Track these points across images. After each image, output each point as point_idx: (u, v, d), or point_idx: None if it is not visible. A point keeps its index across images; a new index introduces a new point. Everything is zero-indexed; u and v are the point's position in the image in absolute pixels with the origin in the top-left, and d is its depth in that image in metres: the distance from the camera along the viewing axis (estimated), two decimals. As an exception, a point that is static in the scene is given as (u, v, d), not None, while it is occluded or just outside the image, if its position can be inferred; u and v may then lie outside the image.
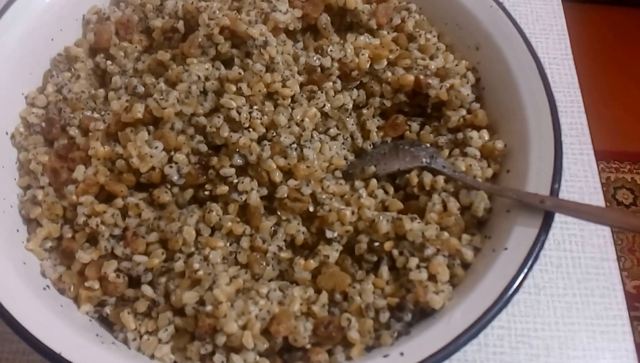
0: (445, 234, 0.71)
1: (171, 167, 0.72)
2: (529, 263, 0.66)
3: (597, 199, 0.92)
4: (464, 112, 0.81)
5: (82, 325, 0.66)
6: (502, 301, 0.64)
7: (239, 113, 0.73)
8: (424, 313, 0.68)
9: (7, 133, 0.76)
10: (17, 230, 0.71)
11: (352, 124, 0.81)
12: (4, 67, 0.77)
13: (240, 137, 0.72)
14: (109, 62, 0.82)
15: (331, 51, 0.80)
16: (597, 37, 2.41)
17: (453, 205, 0.74)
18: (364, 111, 0.82)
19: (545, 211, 0.68)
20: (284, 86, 0.77)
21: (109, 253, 0.70)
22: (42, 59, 0.82)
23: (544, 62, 1.00)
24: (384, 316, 0.68)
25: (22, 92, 0.79)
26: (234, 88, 0.75)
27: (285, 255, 0.72)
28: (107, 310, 0.69)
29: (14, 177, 0.75)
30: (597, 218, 0.68)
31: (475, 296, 0.66)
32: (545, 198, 0.69)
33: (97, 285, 0.69)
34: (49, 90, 0.80)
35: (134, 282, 0.70)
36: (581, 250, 0.87)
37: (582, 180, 0.93)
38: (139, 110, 0.73)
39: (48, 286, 0.69)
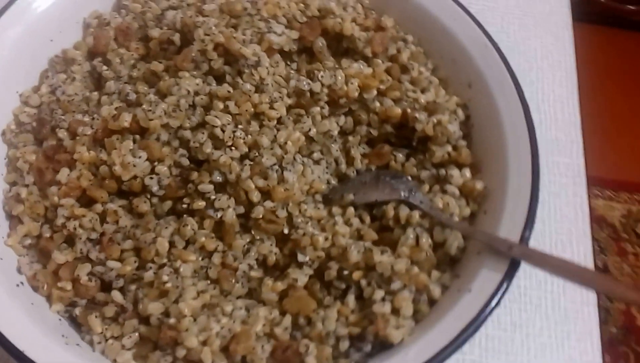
0: (415, 269, 0.78)
1: (152, 178, 0.79)
2: (488, 308, 0.72)
3: (584, 243, 0.97)
4: (449, 148, 0.87)
5: (50, 325, 0.73)
6: (456, 343, 0.70)
7: (223, 131, 0.80)
8: (384, 346, 0.75)
9: (-2, 130, 0.84)
10: (-1, 225, 0.79)
11: (337, 150, 0.87)
12: (1, 65, 0.84)
13: (222, 155, 0.79)
14: (104, 67, 0.90)
15: (322, 76, 0.86)
16: (608, 60, 2.46)
17: (425, 241, 0.80)
18: (350, 138, 0.88)
19: (511, 258, 0.75)
20: (271, 107, 0.83)
21: (84, 256, 0.77)
22: (40, 59, 0.90)
23: (548, 99, 1.08)
24: (344, 345, 0.75)
25: (17, 91, 0.87)
26: (221, 105, 0.82)
27: (256, 274, 0.79)
28: (77, 311, 0.76)
29: (1, 173, 0.83)
30: (562, 272, 0.73)
31: (432, 335, 0.72)
32: (514, 244, 0.75)
33: (69, 286, 0.76)
34: (43, 90, 0.87)
35: (106, 287, 0.77)
36: (562, 292, 0.92)
37: (572, 223, 0.98)
38: (126, 119, 0.80)
39: (22, 282, 0.76)
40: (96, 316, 0.75)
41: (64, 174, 0.80)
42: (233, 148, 0.81)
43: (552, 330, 0.89)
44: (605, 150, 2.25)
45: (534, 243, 0.92)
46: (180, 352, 0.72)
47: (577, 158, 1.03)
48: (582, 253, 0.96)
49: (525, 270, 0.91)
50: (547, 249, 0.95)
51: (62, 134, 0.83)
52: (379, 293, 0.76)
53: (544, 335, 0.89)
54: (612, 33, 2.59)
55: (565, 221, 0.98)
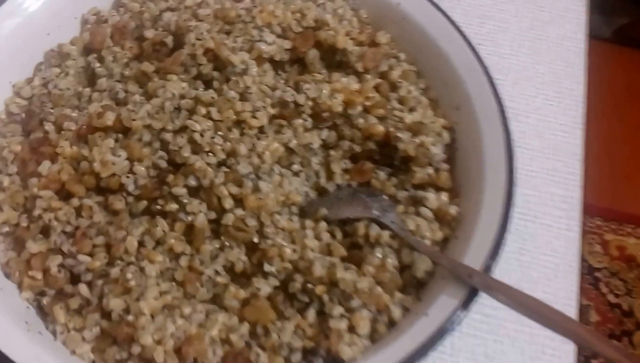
0: (378, 289, 0.83)
1: (129, 177, 0.87)
2: (439, 335, 0.76)
3: (571, 279, 0.99)
4: (430, 170, 0.91)
5: (15, 311, 0.81)
6: (403, 367, 0.75)
7: (202, 136, 0.87)
8: (336, 362, 0.80)
9: (-12, 118, 0.92)
10: (-22, 212, 0.87)
11: (317, 164, 0.93)
12: (-4, 56, 0.93)
13: (198, 160, 0.86)
14: (98, 63, 0.97)
15: (307, 89, 0.92)
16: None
17: (391, 262, 0.85)
18: (332, 152, 0.94)
19: (471, 287, 0.79)
20: (253, 116, 0.90)
21: (57, 248, 0.85)
22: (36, 52, 0.98)
23: (551, 128, 1.11)
24: (296, 357, 0.80)
25: (10, 81, 0.95)
26: (204, 111, 0.89)
27: (222, 280, 0.85)
28: (45, 300, 0.83)
29: (-13, 161, 0.91)
30: (523, 308, 0.76)
31: (382, 356, 0.77)
32: (475, 273, 0.79)
33: (40, 276, 0.83)
34: (36, 83, 0.95)
35: (75, 279, 0.84)
36: (541, 327, 0.92)
37: (561, 257, 1.00)
38: (109, 117, 0.88)
39: (-5, 268, 0.84)
40: (61, 307, 0.82)
41: (45, 166, 0.88)
42: (211, 153, 0.87)
43: (526, 365, 0.92)
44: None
45: (519, 274, 0.97)
46: (135, 349, 0.78)
47: (573, 191, 1.05)
48: (567, 290, 0.97)
49: (505, 300, 0.95)
50: (532, 282, 0.97)
51: (48, 127, 0.91)
52: (338, 309, 0.81)
53: (516, 370, 0.92)
54: (631, 53, 2.57)
55: (553, 255, 1.00)
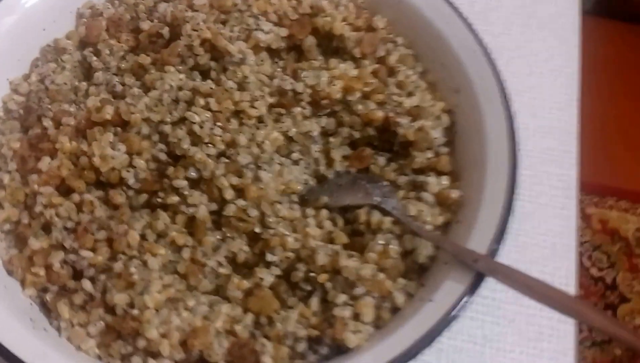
0: (381, 275, 0.80)
1: (129, 171, 0.83)
2: (446, 320, 0.73)
3: (569, 257, 0.97)
4: (430, 154, 0.88)
5: (20, 308, 0.78)
6: (411, 352, 0.72)
7: (201, 127, 0.83)
8: (341, 350, 0.77)
9: (-15, 116, 0.89)
10: (-21, 210, 0.84)
11: (317, 151, 0.89)
12: (-7, 53, 0.89)
13: (198, 151, 0.82)
14: (94, 57, 0.93)
15: (305, 76, 0.88)
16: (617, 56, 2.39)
17: (393, 248, 0.82)
18: (332, 139, 0.90)
19: (476, 272, 0.76)
20: (251, 106, 0.86)
21: (59, 244, 0.82)
22: (32, 48, 0.94)
23: (546, 106, 1.08)
24: (301, 346, 0.78)
25: (7, 78, 0.91)
26: (202, 102, 0.85)
27: (224, 271, 0.82)
28: (48, 297, 0.81)
29: (-15, 159, 0.88)
30: (528, 290, 0.73)
31: (388, 343, 0.74)
32: (480, 257, 0.76)
33: (42, 272, 0.80)
34: (33, 78, 0.92)
35: (78, 275, 0.81)
36: (539, 308, 0.91)
37: (558, 236, 0.98)
38: (108, 111, 0.84)
39: (-3, 266, 0.81)
40: (65, 303, 0.79)
41: (45, 162, 0.84)
42: (210, 144, 0.83)
43: (525, 346, 0.90)
44: (623, 158, 2.20)
45: (515, 255, 0.95)
46: (141, 343, 0.76)
47: (569, 169, 1.03)
48: (565, 269, 0.95)
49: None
50: (529, 262, 0.95)
51: (47, 123, 0.87)
52: (341, 297, 0.79)
53: (515, 350, 0.89)
54: (626, 27, 2.52)
55: (550, 234, 0.98)
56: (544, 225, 0.98)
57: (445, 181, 0.86)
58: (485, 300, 0.91)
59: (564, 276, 0.95)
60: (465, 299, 0.74)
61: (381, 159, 0.90)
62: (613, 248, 2.19)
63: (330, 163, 0.90)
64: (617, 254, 2.18)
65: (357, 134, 0.90)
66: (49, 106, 0.89)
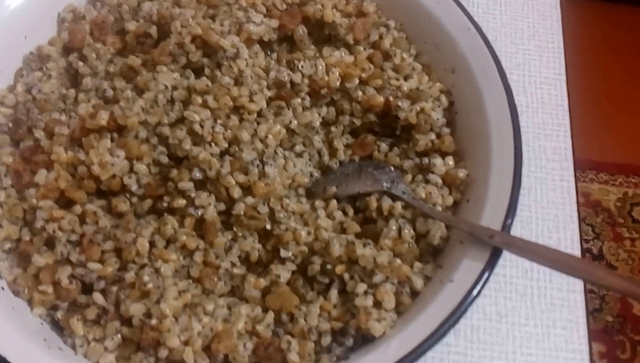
0: (398, 261, 0.77)
1: (131, 177, 0.79)
2: (469, 298, 0.71)
3: (572, 228, 0.96)
4: (433, 136, 0.86)
5: (31, 329, 0.73)
6: (437, 335, 0.70)
7: (202, 127, 0.80)
8: (366, 340, 0.75)
9: (-27, 132, 0.83)
10: (-23, 230, 0.79)
11: (319, 142, 0.86)
12: (-26, 65, 0.83)
13: (201, 151, 0.79)
14: (80, 63, 0.88)
15: (302, 66, 0.85)
16: (604, 36, 2.42)
17: (407, 232, 0.80)
18: (333, 128, 0.87)
19: (493, 247, 0.74)
20: (250, 100, 0.82)
21: (65, 259, 0.77)
22: (15, 57, 0.88)
23: (535, 82, 1.07)
24: (326, 340, 0.75)
25: (-9, 91, 0.86)
26: (200, 100, 0.81)
27: (239, 271, 0.78)
28: (59, 314, 0.76)
29: (-23, 177, 0.82)
30: (545, 260, 0.73)
31: (414, 327, 0.72)
32: (495, 233, 0.75)
33: (50, 289, 0.76)
34: (19, 89, 0.86)
35: (88, 289, 0.77)
36: (548, 280, 0.92)
37: (559, 208, 0.97)
38: (103, 117, 0.80)
39: (2, 287, 0.76)
40: (78, 319, 0.75)
41: (41, 175, 0.80)
42: (213, 143, 0.80)
43: (538, 318, 0.89)
44: (600, 132, 2.23)
45: (520, 230, 0.94)
46: (163, 353, 0.72)
47: (564, 142, 1.02)
48: (569, 239, 0.95)
49: (511, 258, 0.91)
50: (534, 236, 0.94)
51: (39, 134, 0.83)
52: (362, 287, 0.76)
53: (529, 324, 0.89)
54: (606, 7, 2.55)
55: (552, 206, 0.97)
56: (545, 198, 0.97)
57: (450, 161, 0.84)
58: (496, 277, 0.90)
59: (569, 246, 0.94)
60: (486, 275, 0.73)
61: (384, 145, 0.87)
62: (597, 219, 2.21)
63: (333, 152, 0.87)
64: (601, 225, 2.21)
65: (358, 122, 0.87)
66: (39, 117, 0.83)
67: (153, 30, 0.87)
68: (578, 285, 0.92)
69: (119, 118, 0.80)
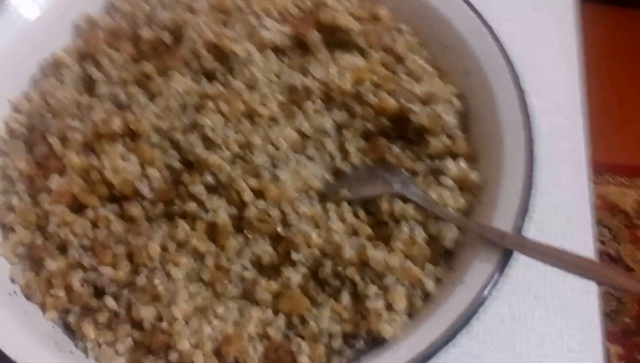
0: (409, 263, 0.76)
1: (142, 181, 0.78)
2: (479, 300, 0.70)
3: (585, 230, 0.94)
4: (446, 139, 0.84)
5: (43, 333, 0.73)
6: (447, 336, 0.68)
7: (214, 131, 0.79)
8: (377, 342, 0.73)
9: (-12, 138, 0.83)
10: (-9, 235, 0.79)
11: (331, 145, 0.85)
12: (-10, 72, 0.83)
13: (213, 156, 0.78)
14: (94, 69, 0.88)
15: (315, 71, 0.84)
16: (620, 41, 2.38)
17: (419, 234, 0.78)
18: (345, 132, 0.86)
19: (504, 249, 0.72)
20: (262, 105, 0.81)
21: (77, 263, 0.76)
22: (30, 64, 0.88)
23: (550, 84, 1.05)
24: (337, 342, 0.73)
25: (7, 98, 0.86)
26: (212, 105, 0.81)
27: (250, 274, 0.77)
28: (71, 318, 0.75)
29: (-9, 182, 0.82)
30: (558, 262, 0.71)
31: (424, 329, 0.70)
32: (506, 234, 0.73)
33: (62, 293, 0.75)
34: (34, 96, 0.86)
35: (99, 292, 0.76)
36: (562, 281, 0.90)
37: (573, 210, 0.95)
38: (116, 123, 0.79)
39: (15, 292, 0.75)
40: (89, 323, 0.74)
41: (54, 181, 0.79)
42: (224, 147, 0.79)
43: (552, 320, 0.87)
44: (617, 135, 2.19)
45: (533, 232, 0.90)
46: (173, 356, 0.71)
47: (579, 144, 1.00)
48: (583, 241, 0.93)
49: (525, 259, 0.88)
50: (547, 238, 0.88)
51: (52, 140, 0.82)
52: (372, 289, 0.75)
53: (543, 325, 0.87)
54: (620, 12, 2.51)
55: (566, 208, 0.95)
56: (559, 200, 0.95)
57: (463, 164, 0.82)
58: (509, 278, 0.87)
59: (583, 248, 0.92)
60: (496, 276, 0.71)
61: (396, 148, 0.85)
62: (614, 221, 2.17)
63: (345, 156, 0.85)
64: (618, 227, 2.16)
65: (370, 125, 0.85)
66: (53, 123, 0.83)
67: (166, 36, 0.87)
68: (593, 286, 0.91)
69: (131, 124, 0.80)
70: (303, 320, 0.75)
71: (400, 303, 0.74)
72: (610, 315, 1.99)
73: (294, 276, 0.76)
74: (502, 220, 0.75)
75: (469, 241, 0.77)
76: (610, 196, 2.21)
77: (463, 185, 0.82)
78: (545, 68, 1.05)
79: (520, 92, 0.82)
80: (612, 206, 2.20)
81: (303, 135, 0.83)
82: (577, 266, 0.70)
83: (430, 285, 0.76)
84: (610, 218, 2.18)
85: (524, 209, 0.75)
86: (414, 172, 0.84)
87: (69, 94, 0.87)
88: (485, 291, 0.70)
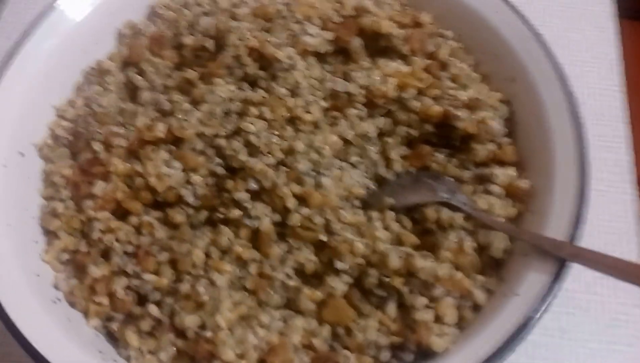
0: (459, 274, 0.72)
1: (187, 188, 0.75)
2: (536, 313, 0.65)
3: (633, 241, 0.89)
4: (492, 146, 0.80)
5: (86, 341, 0.70)
6: (502, 352, 0.64)
7: (258, 137, 0.76)
8: (426, 355, 0.69)
9: (35, 145, 0.81)
10: (36, 242, 0.76)
11: (375, 153, 0.81)
12: (36, 78, 0.81)
13: (257, 162, 0.75)
14: (138, 77, 0.86)
15: (358, 77, 0.81)
16: None
17: (469, 245, 0.74)
18: (389, 139, 0.82)
19: (561, 259, 0.68)
20: (306, 111, 0.78)
21: (121, 270, 0.74)
22: (74, 71, 0.87)
23: (593, 94, 1.00)
24: (385, 356, 0.69)
25: (52, 104, 0.84)
26: (256, 111, 0.78)
27: (294, 283, 0.74)
28: (114, 325, 0.72)
29: (38, 188, 0.80)
30: (617, 272, 0.66)
31: (477, 344, 0.66)
32: (562, 244, 0.68)
33: (106, 301, 0.72)
34: (78, 103, 0.84)
35: (143, 300, 0.73)
36: (612, 295, 0.85)
37: (622, 221, 0.91)
38: (160, 129, 0.77)
39: (59, 299, 0.73)
40: (132, 331, 0.71)
41: (99, 187, 0.77)
42: (268, 154, 0.76)
43: (602, 334, 0.83)
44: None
45: (583, 244, 0.86)
46: (217, 366, 0.67)
47: (624, 154, 0.96)
48: (634, 253, 0.88)
49: (572, 272, 0.84)
50: (595, 249, 0.87)
51: (97, 146, 0.80)
52: (421, 300, 0.70)
53: (592, 340, 0.82)
54: None
55: (612, 219, 0.91)
56: (607, 211, 0.91)
57: (512, 171, 0.78)
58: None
59: (634, 259, 0.87)
60: (555, 288, 0.67)
61: (440, 156, 0.82)
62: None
63: (389, 163, 0.81)
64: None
65: (414, 132, 0.82)
66: (98, 130, 0.81)
67: (210, 43, 0.84)
68: (643, 299, 0.86)
69: (176, 130, 0.77)
70: (348, 331, 0.71)
71: (451, 315, 0.70)
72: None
73: (339, 286, 0.73)
74: (556, 230, 0.70)
75: (521, 251, 0.72)
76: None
77: (512, 193, 0.77)
78: (588, 77, 1.02)
79: (571, 98, 0.77)
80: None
81: (346, 141, 0.80)
82: (637, 276, 0.64)
83: (481, 296, 0.71)
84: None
85: (578, 219, 0.70)
86: (460, 180, 0.80)
87: (112, 100, 0.85)
88: (544, 305, 0.66)
